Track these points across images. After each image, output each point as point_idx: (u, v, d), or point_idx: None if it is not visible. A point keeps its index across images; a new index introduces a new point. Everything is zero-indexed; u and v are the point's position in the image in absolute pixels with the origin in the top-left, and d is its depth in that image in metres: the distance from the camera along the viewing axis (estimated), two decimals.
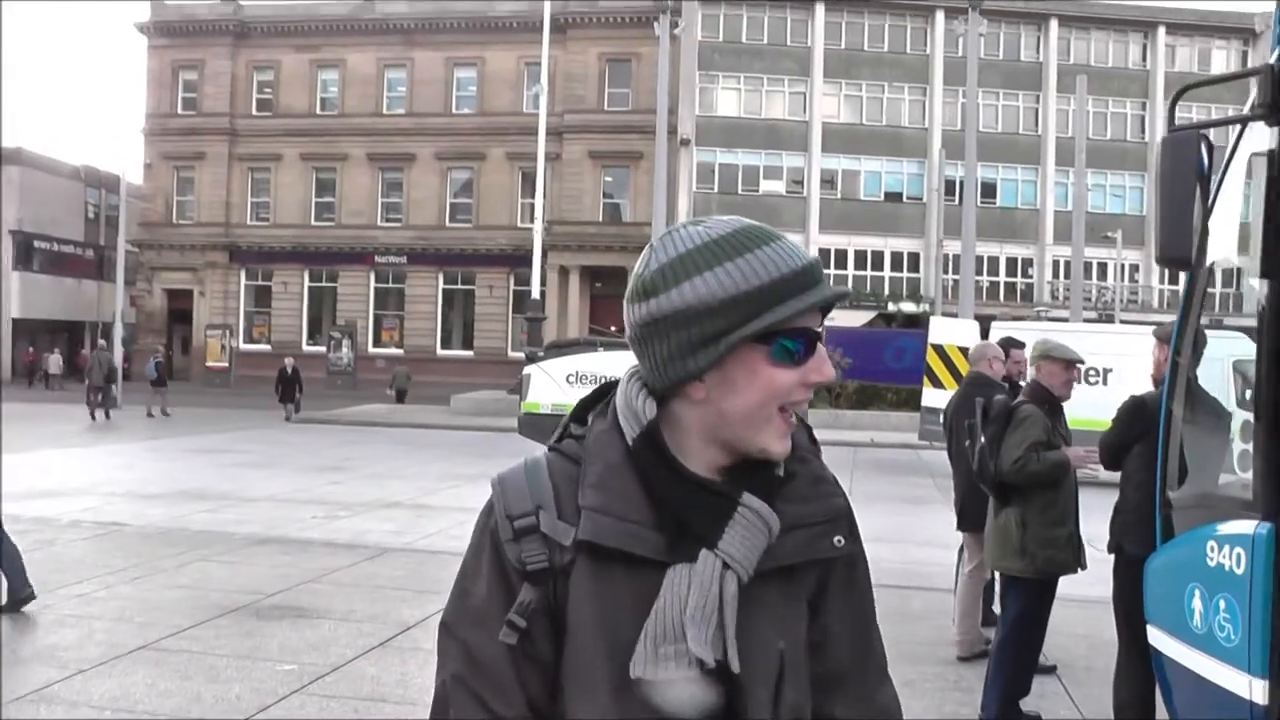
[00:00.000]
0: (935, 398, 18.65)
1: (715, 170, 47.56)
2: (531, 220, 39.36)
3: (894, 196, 48.27)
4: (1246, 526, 3.84)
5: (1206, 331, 4.93)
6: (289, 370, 31.86)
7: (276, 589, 9.28)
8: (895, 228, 47.38)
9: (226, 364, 47.61)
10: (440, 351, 49.39)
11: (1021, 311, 43.22)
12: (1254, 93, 3.86)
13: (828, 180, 47.97)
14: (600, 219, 48.41)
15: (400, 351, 49.15)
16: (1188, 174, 3.89)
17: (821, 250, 46.47)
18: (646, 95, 43.30)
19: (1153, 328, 7.01)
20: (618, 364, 20.60)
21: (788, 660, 1.56)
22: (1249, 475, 3.98)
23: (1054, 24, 49.25)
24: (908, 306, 44.79)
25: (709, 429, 1.51)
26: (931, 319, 25.13)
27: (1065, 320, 29.67)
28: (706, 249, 1.47)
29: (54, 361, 48.43)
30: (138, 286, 51.18)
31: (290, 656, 7.34)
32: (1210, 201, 4.09)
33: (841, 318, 45.59)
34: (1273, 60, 3.88)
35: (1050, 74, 48.71)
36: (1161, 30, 49.24)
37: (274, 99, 51.59)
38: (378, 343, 50.01)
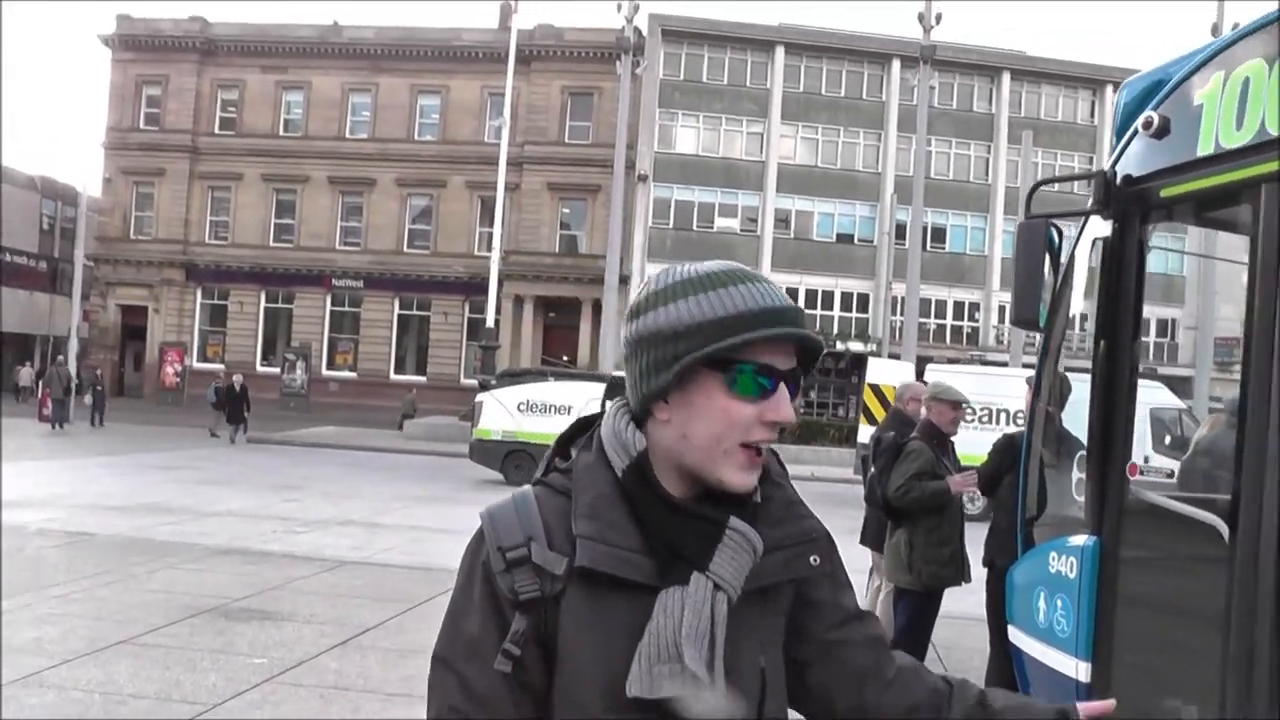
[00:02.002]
0: (870, 433, 19.65)
1: (672, 206, 48.33)
2: (489, 249, 40.00)
3: (846, 238, 49.25)
4: (1080, 540, 4.74)
5: (1071, 379, 5.79)
6: (236, 387, 30.71)
7: (243, 594, 9.97)
8: (846, 268, 48.41)
9: (179, 381, 47.65)
10: (394, 376, 49.64)
11: (968, 353, 44.40)
12: (1092, 192, 4.74)
13: (782, 220, 48.92)
14: (557, 250, 48.93)
15: (354, 375, 49.41)
16: (1038, 253, 4.78)
17: None
18: (607, 129, 43.88)
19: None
20: (568, 394, 21.43)
21: (768, 676, 1.65)
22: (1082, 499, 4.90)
23: (1006, 77, 50.60)
24: (855, 346, 45.78)
25: (674, 454, 1.60)
26: (870, 360, 26.14)
27: (1005, 364, 30.71)
28: (689, 282, 1.59)
29: (25, 374, 48.47)
30: (92, 301, 50.66)
31: (260, 652, 8.07)
32: (1060, 274, 4.98)
33: None
34: (1106, 167, 4.78)
35: (1002, 125, 50.00)
36: (1109, 89, 50.64)
37: (238, 118, 51.49)
38: (332, 365, 49.96)
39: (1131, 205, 4.68)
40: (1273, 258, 4.07)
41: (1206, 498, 4.59)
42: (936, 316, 48.65)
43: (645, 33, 43.84)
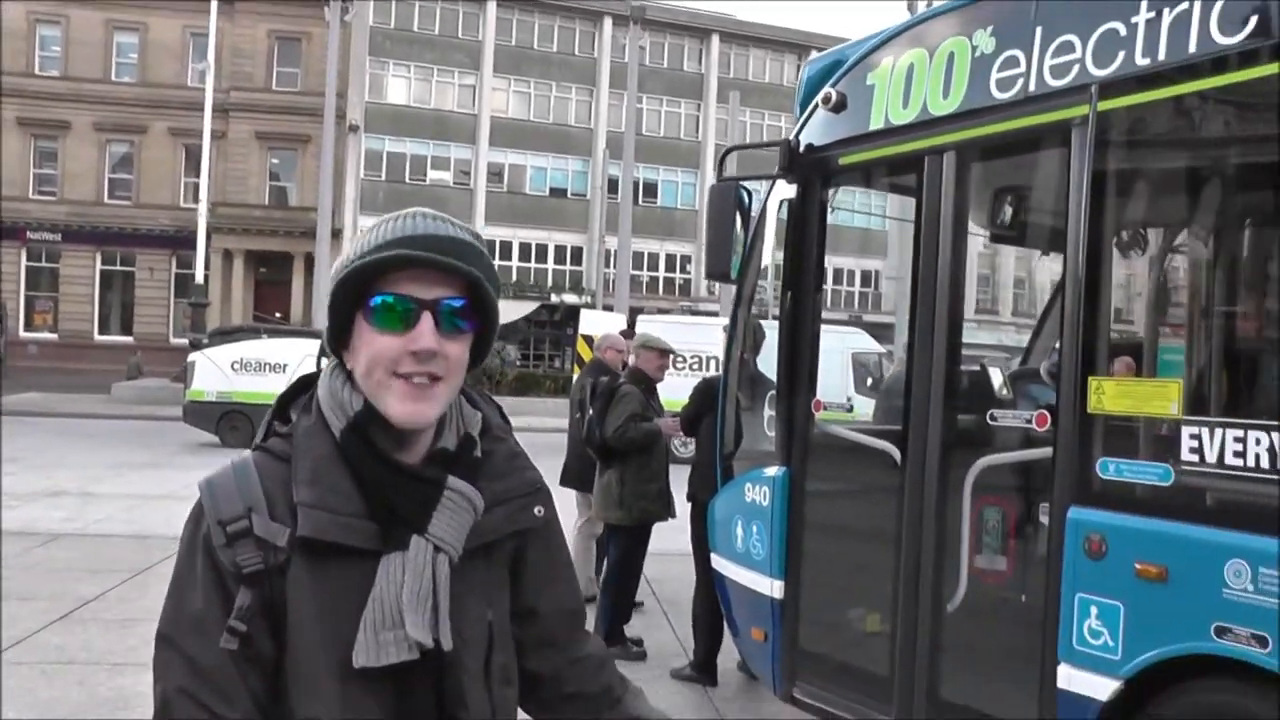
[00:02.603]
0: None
1: (384, 158, 47.58)
2: (195, 200, 38.35)
3: (559, 192, 49.76)
4: (772, 471, 5.33)
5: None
6: None
7: None
8: (560, 222, 48.99)
9: None
10: (98, 336, 47.00)
11: (679, 304, 45.90)
12: (778, 158, 5.30)
13: (495, 173, 48.93)
14: (266, 201, 47.22)
15: (54, 336, 46.52)
16: (729, 212, 5.34)
17: (487, 241, 47.51)
18: (316, 77, 42.57)
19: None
20: (283, 351, 21.11)
21: (495, 629, 1.67)
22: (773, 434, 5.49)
23: (716, 39, 52.11)
24: (570, 298, 46.53)
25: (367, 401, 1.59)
26: (582, 311, 26.83)
27: (716, 314, 31.99)
28: (365, 231, 1.60)
29: None
30: None
31: None
32: (750, 231, 5.53)
33: (507, 309, 46.98)
34: (791, 136, 5.34)
35: (711, 85, 51.50)
36: (814, 53, 52.90)
37: None
38: (30, 326, 46.74)
39: (813, 171, 5.26)
40: (933, 217, 4.69)
41: (887, 429, 5.22)
42: (649, 269, 49.88)
43: None
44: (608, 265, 44.00)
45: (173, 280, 47.12)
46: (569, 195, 49.89)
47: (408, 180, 47.60)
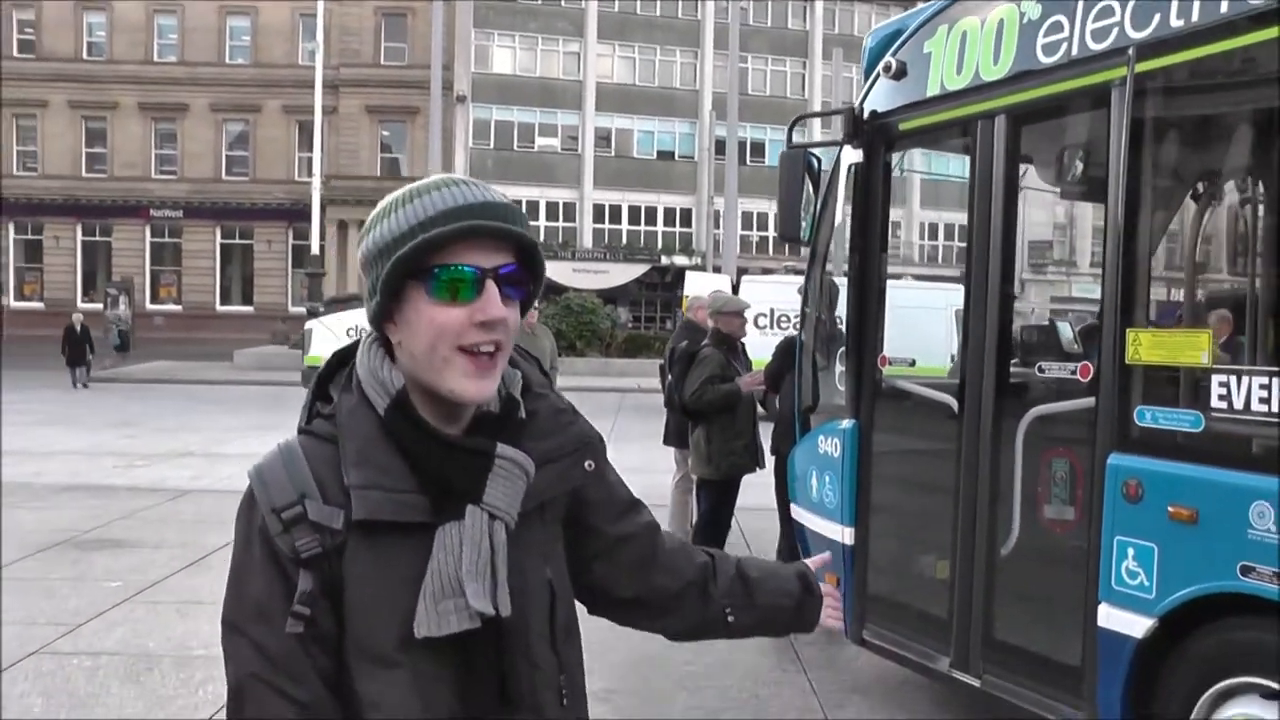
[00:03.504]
0: None
1: (491, 126, 48.24)
2: (309, 174, 39.40)
3: (666, 155, 50.00)
4: (843, 424, 5.60)
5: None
6: (78, 329, 28.40)
7: (90, 526, 10.28)
8: (668, 185, 49.19)
9: None
10: (220, 307, 48.84)
11: (788, 263, 45.92)
12: (843, 125, 5.54)
13: (602, 138, 49.32)
14: (378, 173, 48.47)
15: (179, 308, 48.35)
16: (798, 178, 5.60)
17: (596, 206, 48.05)
18: (423, 51, 43.42)
19: None
20: None
21: (556, 586, 1.68)
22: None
23: None
24: (680, 260, 46.76)
25: (412, 377, 1.58)
26: (687, 273, 27.01)
27: None
28: (395, 199, 1.56)
29: None
30: None
31: (115, 576, 8.47)
32: (820, 195, 5.79)
33: (618, 273, 47.46)
34: (855, 104, 5.57)
35: (816, 42, 51.09)
36: (920, 4, 52.01)
37: (36, 40, 49.04)
38: (155, 299, 48.88)
39: (876, 137, 5.49)
40: (986, 178, 4.91)
41: (949, 382, 5.45)
42: (759, 229, 49.83)
43: None
44: (716, 226, 44.07)
45: (290, 251, 48.68)
46: (676, 158, 50.03)
47: (515, 148, 48.20)
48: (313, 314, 25.79)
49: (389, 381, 1.57)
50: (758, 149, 49.25)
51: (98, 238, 49.63)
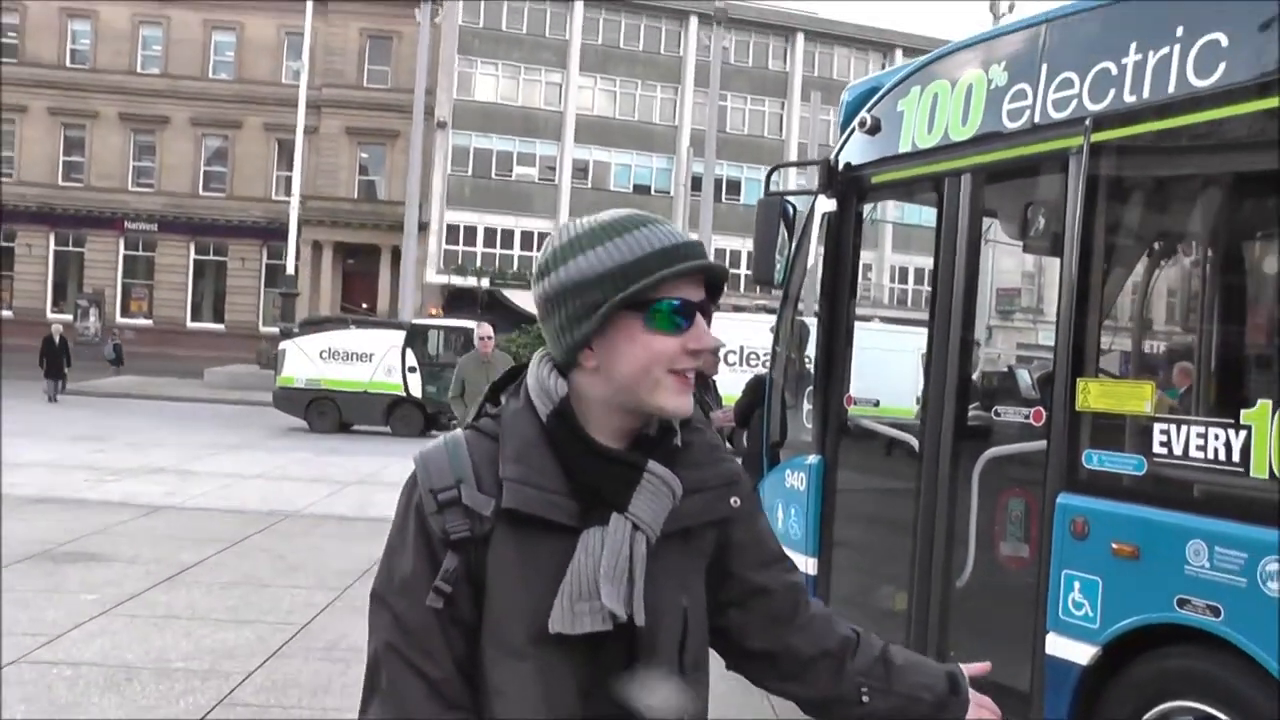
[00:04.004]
0: None
1: (471, 153, 48.49)
2: (287, 193, 39.52)
3: (643, 189, 50.28)
4: (809, 459, 5.88)
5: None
6: (56, 340, 28.38)
7: (64, 540, 10.40)
8: None
9: None
10: (190, 324, 48.57)
11: (760, 301, 46.30)
12: (819, 176, 5.85)
13: (580, 169, 49.69)
14: (355, 195, 48.56)
15: (149, 322, 48.11)
16: (774, 224, 5.89)
17: None
18: (406, 74, 43.46)
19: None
20: (369, 341, 22.18)
21: (690, 616, 1.70)
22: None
23: (800, 38, 52.38)
24: None
25: (606, 396, 1.65)
26: None
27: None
28: (591, 232, 1.64)
29: None
30: None
31: (91, 589, 8.60)
32: (794, 241, 6.09)
33: None
34: (831, 156, 5.88)
35: (795, 84, 51.80)
36: (899, 52, 52.74)
37: (19, 45, 48.47)
38: (126, 312, 48.45)
39: (849, 188, 5.80)
40: (951, 231, 5.21)
41: (912, 422, 5.75)
42: (732, 266, 50.15)
43: None
44: None
45: (263, 270, 48.53)
46: (652, 192, 50.33)
47: (494, 175, 48.51)
48: (286, 334, 25.94)
49: (553, 390, 1.65)
50: (734, 187, 49.82)
51: (70, 248, 49.12)
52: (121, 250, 49.09)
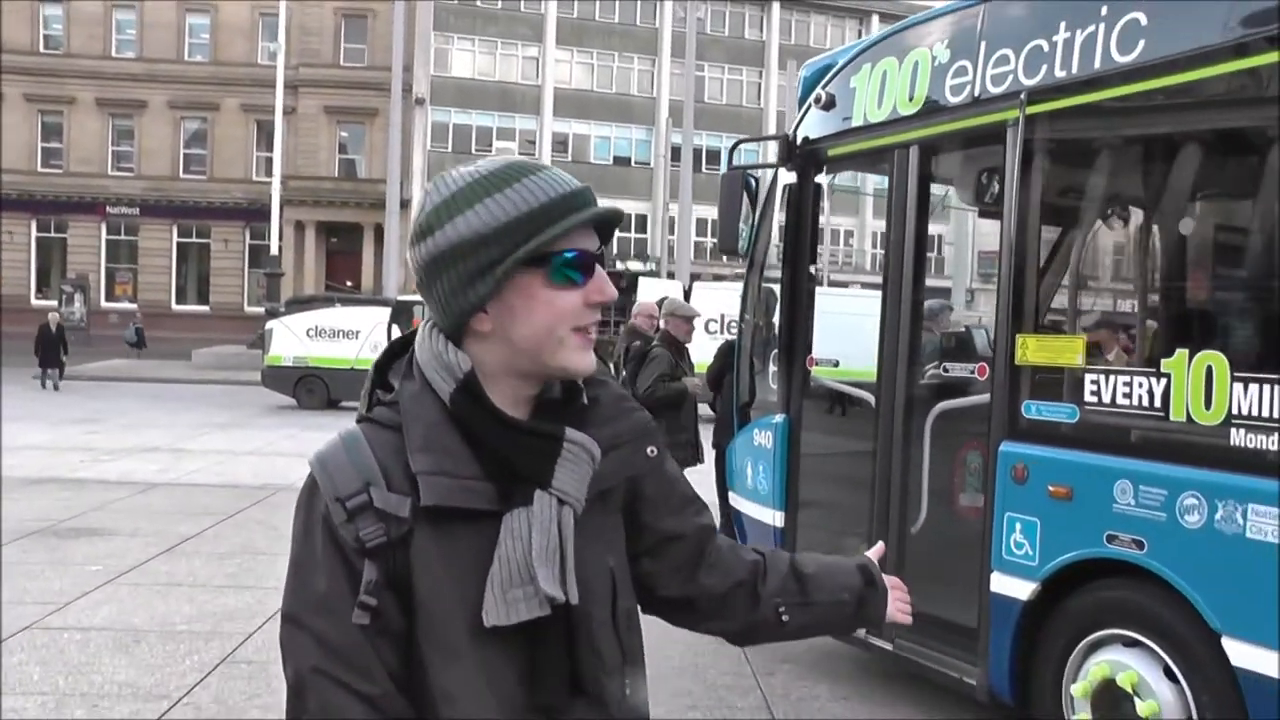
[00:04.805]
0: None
1: (450, 129, 48.65)
2: (267, 174, 39.59)
3: (623, 160, 50.62)
4: (775, 418, 6.24)
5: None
6: (52, 328, 27.91)
7: (65, 516, 10.73)
8: (624, 190, 49.63)
9: None
10: (175, 306, 48.66)
11: (739, 271, 46.56)
12: (778, 150, 6.19)
13: (560, 143, 49.87)
14: (336, 174, 48.51)
15: (134, 306, 48.16)
16: (737, 197, 6.24)
17: None
18: (383, 52, 43.56)
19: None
20: (355, 319, 22.48)
21: (617, 574, 1.64)
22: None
23: (776, 7, 52.58)
24: (635, 265, 47.27)
25: (505, 362, 1.55)
26: (640, 280, 27.67)
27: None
28: (475, 185, 1.51)
29: None
30: None
31: (94, 561, 8.95)
32: (757, 212, 6.43)
33: None
34: (790, 132, 6.21)
35: (772, 52, 51.97)
36: (875, 19, 52.78)
37: None
38: (111, 297, 48.50)
39: (807, 161, 6.14)
40: (901, 200, 5.56)
41: (869, 381, 6.10)
42: (713, 236, 49.99)
43: None
44: (672, 232, 44.67)
45: (246, 251, 48.64)
46: (633, 164, 50.65)
47: (474, 151, 48.47)
48: (273, 314, 26.20)
49: (455, 365, 1.54)
50: (713, 157, 49.83)
51: (52, 234, 49.12)
52: (104, 235, 49.04)
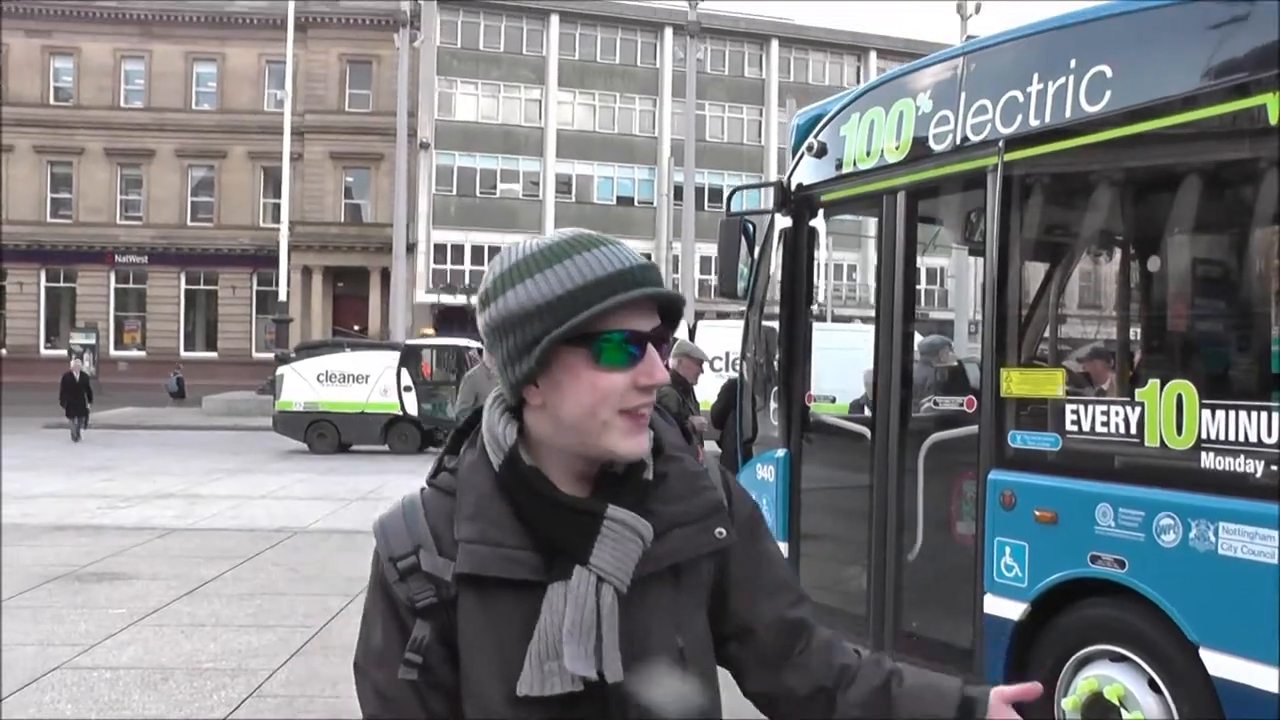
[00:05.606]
0: None
1: (454, 173, 49.05)
2: (274, 220, 39.99)
3: (626, 200, 51.03)
4: (776, 453, 6.50)
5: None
6: (76, 376, 27.61)
7: (87, 562, 10.97)
8: (628, 230, 49.86)
9: None
10: (184, 353, 49.05)
11: (742, 309, 46.78)
12: (774, 196, 6.49)
13: (563, 184, 50.37)
14: (342, 219, 49.16)
15: (143, 354, 48.58)
16: (735, 242, 6.52)
17: None
18: (387, 97, 44.14)
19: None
20: (365, 363, 22.84)
21: (688, 655, 1.59)
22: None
23: (775, 44, 53.18)
24: None
25: (555, 438, 1.55)
26: None
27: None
28: (531, 258, 1.51)
29: None
30: None
31: (118, 604, 9.18)
32: (756, 255, 6.72)
33: None
34: (785, 178, 6.52)
35: (772, 90, 52.55)
36: (873, 55, 53.58)
37: (2, 85, 48.69)
38: (120, 345, 49.01)
39: (802, 206, 6.42)
40: (890, 241, 5.84)
41: (865, 416, 6.37)
42: (716, 273, 50.54)
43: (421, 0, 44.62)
44: (675, 271, 44.98)
45: (254, 297, 49.13)
46: (635, 203, 51.04)
47: (478, 194, 49.04)
48: (283, 360, 26.48)
49: (502, 438, 1.56)
50: (715, 194, 50.19)
51: (61, 284, 49.65)
52: (112, 284, 49.57)
